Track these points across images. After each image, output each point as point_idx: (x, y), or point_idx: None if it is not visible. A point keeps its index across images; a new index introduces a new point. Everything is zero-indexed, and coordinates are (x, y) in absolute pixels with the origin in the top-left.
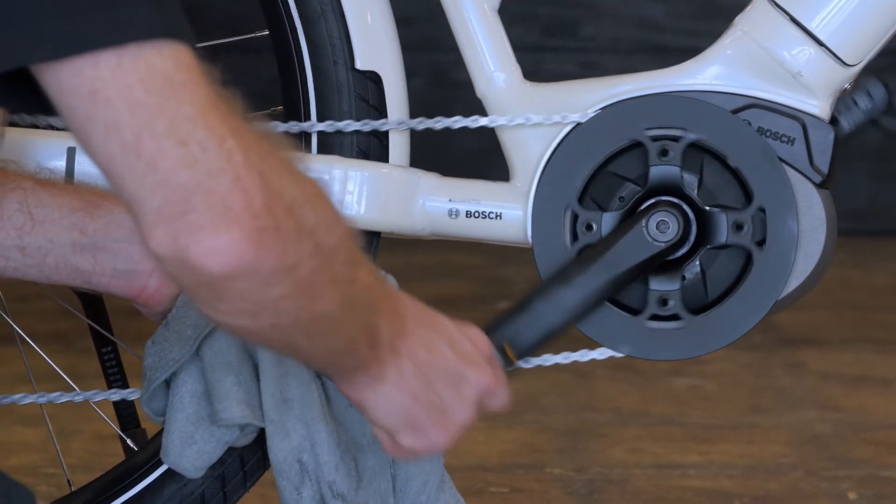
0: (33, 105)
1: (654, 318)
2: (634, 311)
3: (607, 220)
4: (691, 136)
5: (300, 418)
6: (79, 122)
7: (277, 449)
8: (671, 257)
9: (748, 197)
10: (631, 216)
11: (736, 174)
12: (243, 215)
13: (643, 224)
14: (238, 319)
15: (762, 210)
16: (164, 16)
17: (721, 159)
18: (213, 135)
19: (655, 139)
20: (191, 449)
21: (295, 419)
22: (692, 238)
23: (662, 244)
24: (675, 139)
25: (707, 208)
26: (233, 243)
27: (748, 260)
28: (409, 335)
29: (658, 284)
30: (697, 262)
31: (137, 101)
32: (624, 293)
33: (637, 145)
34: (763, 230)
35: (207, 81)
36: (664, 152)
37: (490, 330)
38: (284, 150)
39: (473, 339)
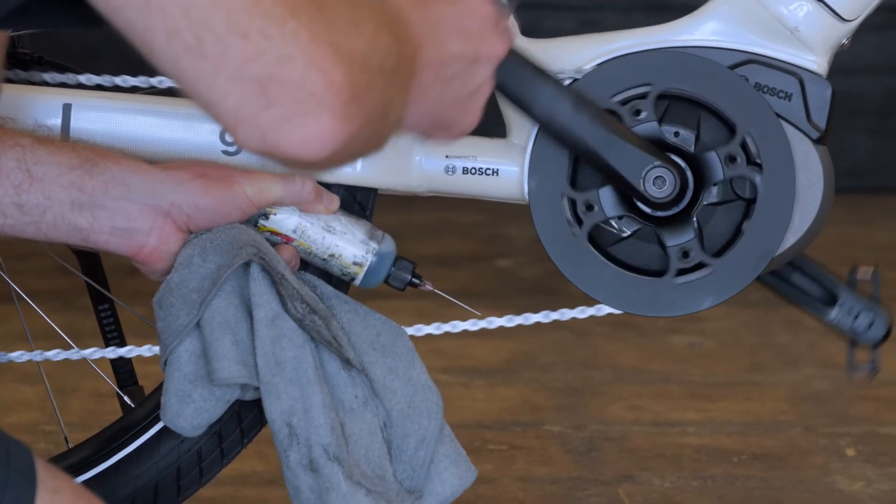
0: (80, 19)
1: (681, 272)
2: (659, 273)
3: (605, 193)
4: (658, 89)
5: (293, 381)
6: (139, 34)
7: (268, 410)
8: (678, 209)
9: (742, 144)
10: None
11: (730, 124)
12: (327, 95)
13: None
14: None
15: (750, 136)
16: None
17: (716, 113)
18: (271, 20)
19: (626, 101)
20: (188, 407)
21: (287, 382)
22: (691, 186)
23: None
24: (644, 96)
25: (697, 153)
26: (325, 128)
27: (748, 205)
28: (422, 46)
29: (674, 239)
30: (706, 203)
31: (191, 3)
32: (643, 259)
33: (630, 100)
34: (756, 157)
35: None
36: (637, 112)
37: None
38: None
39: (476, 11)
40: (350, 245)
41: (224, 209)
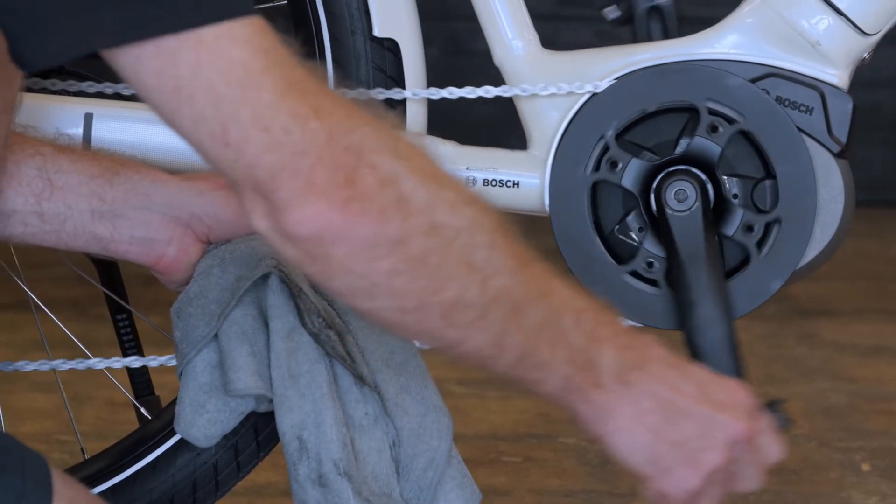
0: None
1: (635, 274)
2: (619, 260)
3: (634, 165)
4: (744, 126)
5: (306, 395)
6: (166, 115)
7: (280, 423)
8: None
9: (766, 166)
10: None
11: (753, 141)
12: (328, 187)
13: (671, 211)
14: (358, 300)
15: (776, 178)
16: None
17: (742, 130)
18: (295, 118)
19: (715, 112)
20: (202, 418)
21: (300, 395)
22: (711, 203)
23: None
24: (730, 121)
25: (724, 177)
26: (318, 212)
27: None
28: (647, 371)
29: (650, 246)
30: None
31: (220, 96)
32: (618, 243)
33: (653, 115)
34: (776, 199)
35: (286, 60)
36: (714, 128)
37: None
38: (386, 124)
39: (732, 390)
40: None
41: (244, 220)
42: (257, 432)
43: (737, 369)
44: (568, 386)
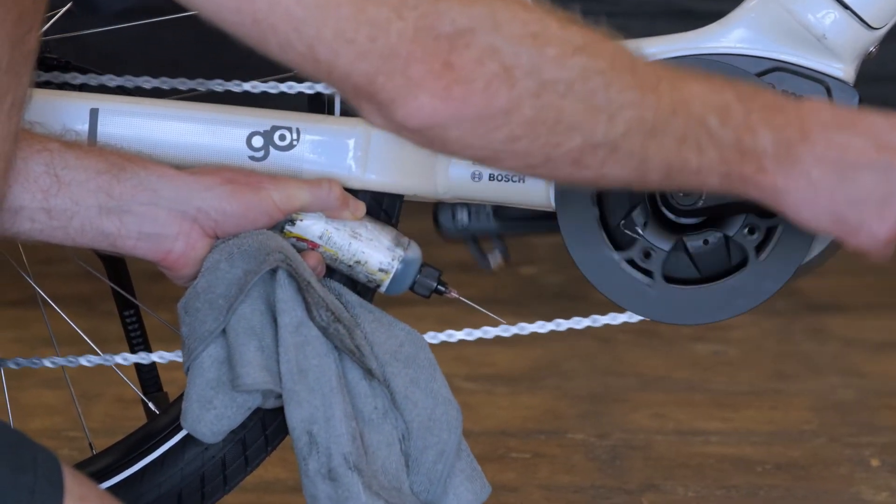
0: None
1: (631, 263)
2: (618, 247)
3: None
4: None
5: (315, 389)
6: (255, 43)
7: (289, 418)
8: (680, 220)
9: None
10: None
11: None
12: (425, 79)
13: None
14: (487, 163)
15: None
16: None
17: None
18: (376, 25)
19: None
20: (209, 413)
21: (309, 390)
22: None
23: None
24: None
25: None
26: (422, 104)
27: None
28: (811, 141)
29: (651, 237)
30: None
31: (299, 20)
32: (623, 237)
33: None
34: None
35: None
36: None
37: None
38: None
39: None
40: (376, 252)
41: (251, 215)
42: (265, 427)
43: None
44: (730, 181)
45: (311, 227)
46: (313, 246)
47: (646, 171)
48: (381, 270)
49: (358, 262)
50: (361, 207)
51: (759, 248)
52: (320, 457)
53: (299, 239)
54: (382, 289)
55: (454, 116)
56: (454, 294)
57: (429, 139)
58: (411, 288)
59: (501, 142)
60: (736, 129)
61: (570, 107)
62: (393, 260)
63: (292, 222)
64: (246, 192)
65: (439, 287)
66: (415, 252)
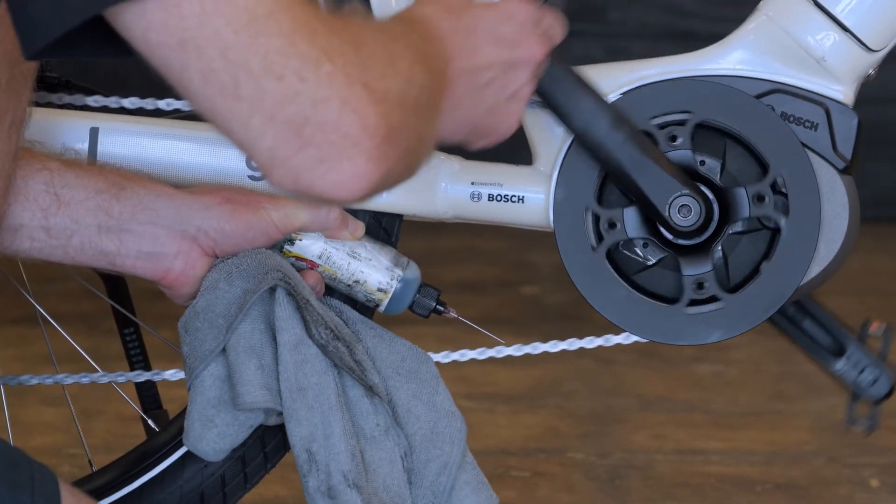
0: (117, 50)
1: (693, 303)
2: (672, 301)
3: (629, 214)
4: (696, 119)
5: (314, 407)
6: (175, 73)
7: (290, 436)
8: (699, 240)
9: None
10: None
11: (758, 158)
12: (362, 137)
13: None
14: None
15: (781, 180)
16: None
17: (744, 144)
18: (307, 63)
19: (664, 125)
20: (211, 432)
21: (308, 408)
22: (716, 218)
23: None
24: (682, 123)
25: (726, 187)
26: (359, 170)
27: (773, 235)
28: (453, 56)
29: (691, 269)
30: (731, 232)
31: (228, 45)
32: (659, 284)
33: (659, 127)
34: (785, 204)
35: (289, 2)
36: (673, 137)
37: None
38: (377, 31)
39: (513, 14)
40: (375, 271)
41: (250, 234)
42: (264, 444)
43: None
44: None
45: (309, 246)
46: (312, 265)
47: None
48: (379, 290)
49: (357, 282)
50: (360, 227)
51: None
52: (319, 474)
53: (298, 258)
54: (381, 308)
55: (384, 178)
56: (453, 314)
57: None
58: (410, 307)
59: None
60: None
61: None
62: (392, 280)
63: (291, 242)
64: (245, 212)
65: (438, 307)
66: (414, 272)
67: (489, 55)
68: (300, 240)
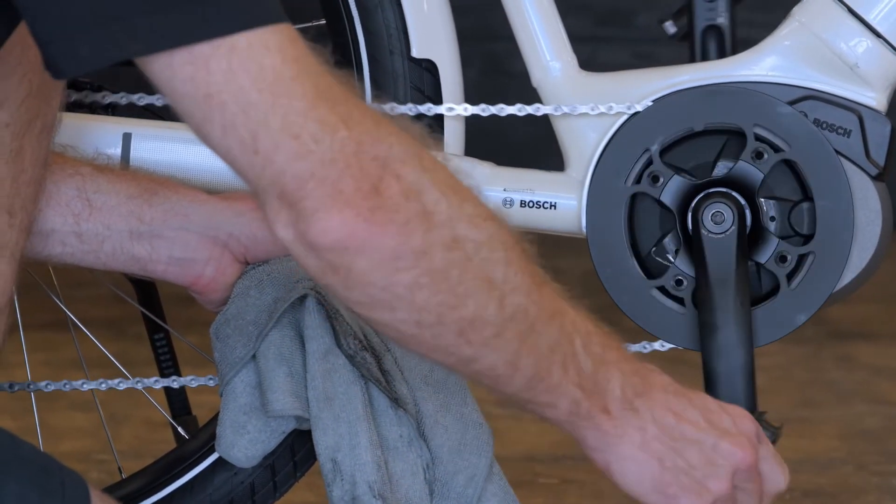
0: None
1: (663, 290)
2: (649, 274)
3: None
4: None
5: (341, 417)
6: (196, 122)
7: (316, 444)
8: None
9: (803, 189)
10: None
11: (792, 166)
12: (353, 196)
13: (706, 231)
14: (376, 312)
15: (814, 203)
16: (263, 3)
17: (786, 159)
18: (324, 127)
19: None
20: (242, 439)
21: (334, 417)
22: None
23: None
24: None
25: (761, 199)
26: (344, 221)
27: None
28: (653, 398)
29: (683, 264)
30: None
31: (251, 102)
32: (654, 264)
33: (694, 136)
34: (814, 224)
35: (316, 69)
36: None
37: None
38: (412, 136)
39: (734, 415)
40: None
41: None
42: (294, 452)
43: (751, 397)
44: (578, 410)
45: None
46: None
47: (516, 368)
48: None
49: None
50: None
51: (791, 276)
52: (344, 484)
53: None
54: None
55: (370, 242)
56: None
57: (334, 266)
58: None
59: (404, 286)
60: (594, 360)
61: (473, 270)
62: None
63: None
64: None
65: None
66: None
67: (695, 423)
68: None
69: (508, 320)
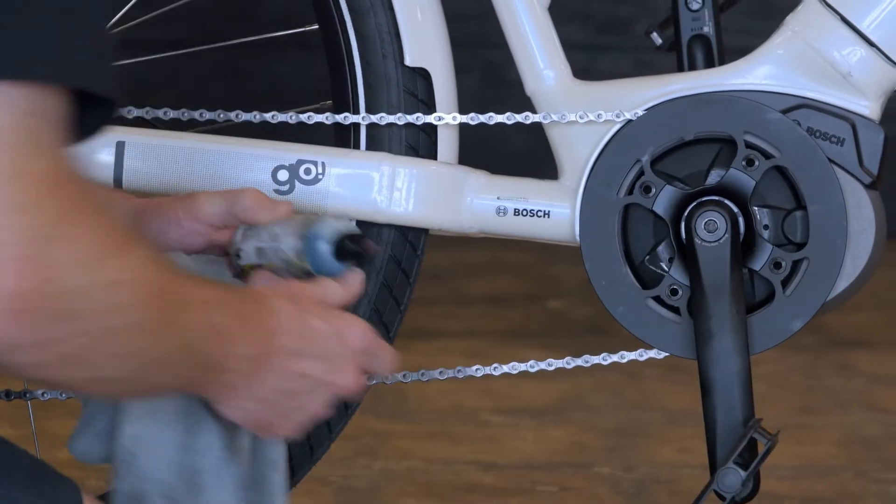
0: None
1: (658, 300)
2: (644, 284)
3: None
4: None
5: (153, 413)
6: None
7: (117, 433)
8: None
9: (797, 197)
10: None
11: (784, 173)
12: (7, 293)
13: (700, 241)
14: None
15: (807, 211)
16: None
17: (777, 165)
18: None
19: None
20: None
21: (147, 412)
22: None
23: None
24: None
25: (755, 207)
26: None
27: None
28: (276, 351)
29: (677, 273)
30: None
31: None
32: (648, 273)
33: (686, 144)
34: (807, 232)
35: (27, 144)
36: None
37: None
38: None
39: (347, 337)
40: (289, 239)
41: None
42: (291, 456)
43: (748, 404)
44: (201, 382)
45: (248, 251)
46: (259, 267)
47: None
48: (298, 257)
49: (285, 261)
50: (283, 206)
51: (786, 282)
52: (131, 479)
53: (251, 268)
54: (316, 271)
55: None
56: (373, 248)
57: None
58: (340, 258)
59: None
60: (213, 344)
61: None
62: (301, 240)
63: (239, 255)
64: (153, 215)
65: (356, 247)
66: (323, 225)
67: (308, 367)
68: (242, 250)
69: (150, 369)
